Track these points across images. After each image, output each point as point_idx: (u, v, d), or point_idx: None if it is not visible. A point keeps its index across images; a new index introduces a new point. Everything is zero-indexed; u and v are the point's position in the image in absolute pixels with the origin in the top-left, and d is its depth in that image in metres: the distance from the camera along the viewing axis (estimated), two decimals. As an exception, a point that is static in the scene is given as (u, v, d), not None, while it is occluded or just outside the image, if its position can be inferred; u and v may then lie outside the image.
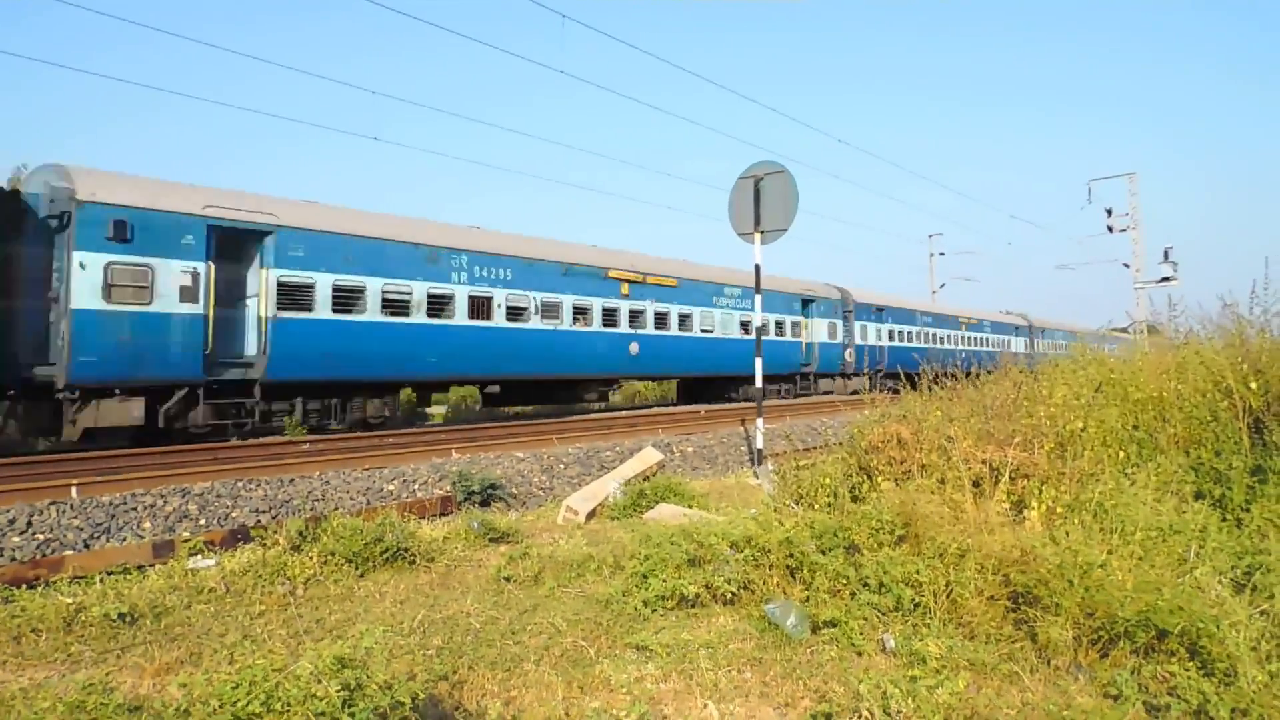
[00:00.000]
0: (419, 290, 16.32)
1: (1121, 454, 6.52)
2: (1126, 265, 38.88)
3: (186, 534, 7.21)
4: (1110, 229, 38.54)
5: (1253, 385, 6.78)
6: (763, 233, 11.42)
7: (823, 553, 4.89)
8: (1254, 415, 6.78)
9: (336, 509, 8.45)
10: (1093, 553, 4.25)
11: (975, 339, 40.45)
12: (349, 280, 15.04)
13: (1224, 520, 5.63)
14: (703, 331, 23.45)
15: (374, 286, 15.47)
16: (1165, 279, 36.09)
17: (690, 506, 8.09)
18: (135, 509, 7.82)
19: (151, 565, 6.26)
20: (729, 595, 4.92)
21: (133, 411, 12.27)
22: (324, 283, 14.69)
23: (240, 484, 8.89)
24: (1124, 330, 30.38)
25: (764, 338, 25.14)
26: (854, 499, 5.96)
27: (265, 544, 6.31)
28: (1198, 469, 6.52)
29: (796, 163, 44.67)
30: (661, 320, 22.13)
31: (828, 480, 6.32)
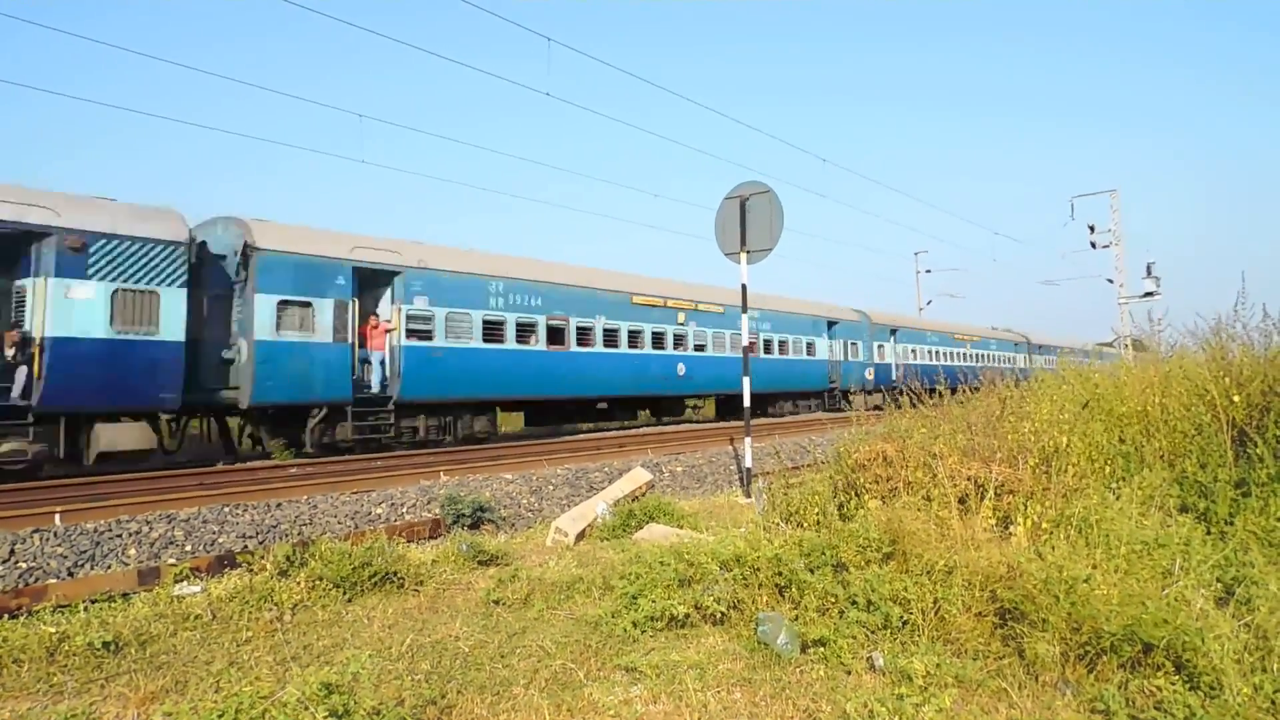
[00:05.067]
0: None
1: (1106, 468, 6.57)
2: (1110, 281, 39.26)
3: (172, 560, 7.15)
4: (1093, 245, 38.93)
5: (1235, 399, 6.85)
6: (749, 252, 11.50)
7: (811, 571, 4.90)
8: (1237, 429, 6.85)
9: (324, 533, 8.41)
10: (1078, 567, 4.28)
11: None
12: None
13: (1208, 533, 5.68)
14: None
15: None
16: (1148, 294, 36.46)
17: (679, 526, 8.08)
18: (120, 535, 7.75)
19: (136, 592, 6.20)
20: (718, 615, 4.91)
21: None
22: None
23: (227, 509, 8.83)
24: (1110, 345, 30.65)
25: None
26: (842, 517, 5.98)
27: (252, 569, 6.27)
28: (1182, 482, 6.58)
29: (781, 181, 45.11)
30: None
31: (815, 498, 6.34)
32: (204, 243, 13.95)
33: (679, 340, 23.14)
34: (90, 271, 11.99)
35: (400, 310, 15.98)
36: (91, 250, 12.02)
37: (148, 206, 13.12)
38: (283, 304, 14.06)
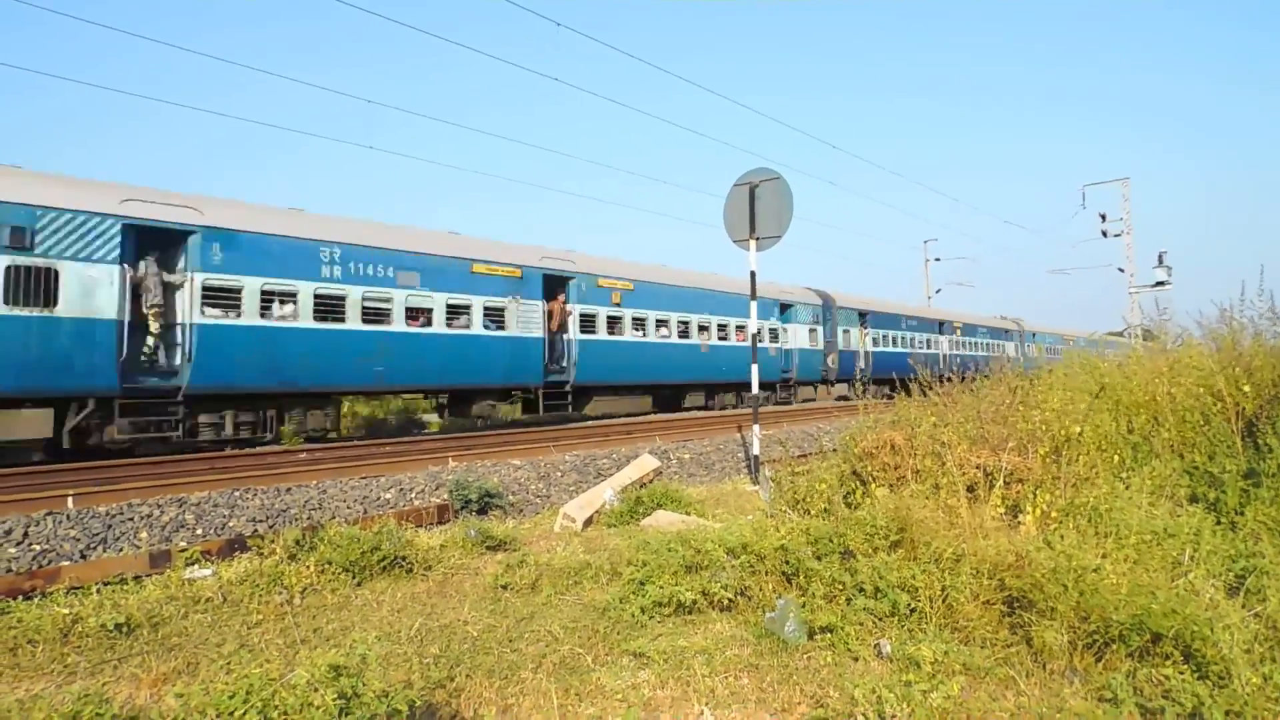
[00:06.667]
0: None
1: (1116, 458, 6.55)
2: (1121, 270, 39.01)
3: (183, 544, 7.20)
4: (1104, 234, 38.66)
5: (1245, 388, 6.81)
6: (758, 239, 11.45)
7: (818, 558, 4.90)
8: (1246, 419, 6.81)
9: (333, 518, 8.44)
10: (1087, 557, 4.27)
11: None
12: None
13: (1218, 523, 5.65)
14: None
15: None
16: (1159, 283, 36.19)
17: (687, 513, 8.10)
18: (132, 519, 7.80)
19: (148, 575, 6.24)
20: (726, 601, 4.92)
21: None
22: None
23: (237, 493, 8.88)
24: (1119, 334, 30.40)
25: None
26: (849, 505, 5.97)
27: (262, 553, 6.31)
28: (1191, 473, 6.55)
29: (791, 169, 44.95)
30: None
31: (823, 486, 6.34)
32: None
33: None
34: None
35: None
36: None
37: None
38: None
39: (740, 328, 24.71)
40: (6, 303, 11.05)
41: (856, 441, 6.99)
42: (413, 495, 9.73)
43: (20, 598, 5.60)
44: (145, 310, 12.64)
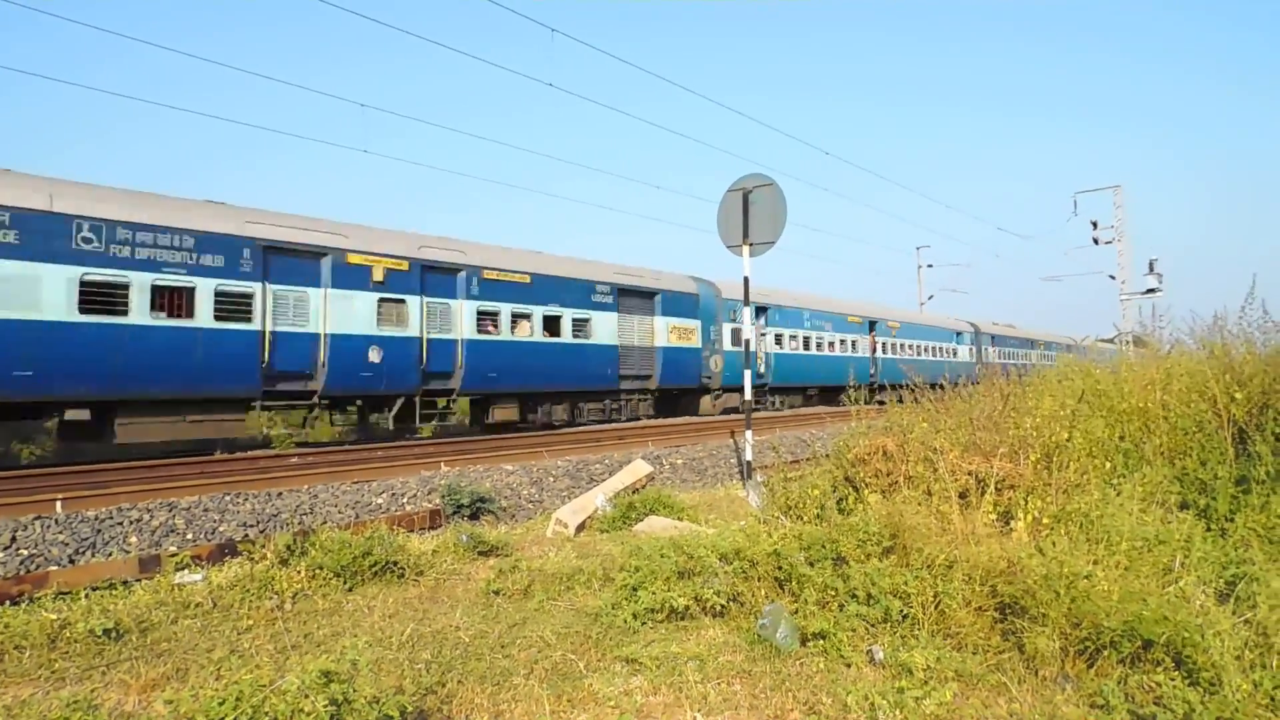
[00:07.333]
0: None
1: (1107, 465, 6.56)
2: (1113, 277, 39.15)
3: (173, 548, 7.16)
4: (1096, 241, 38.81)
5: (1237, 396, 6.84)
6: (751, 245, 11.47)
7: (811, 564, 4.90)
8: (1238, 426, 6.84)
9: (325, 522, 8.42)
10: (1078, 563, 4.28)
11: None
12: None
13: (1209, 530, 5.67)
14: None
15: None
16: (1151, 290, 36.34)
17: (680, 519, 8.09)
18: (121, 523, 7.76)
19: (138, 580, 6.21)
20: (718, 607, 4.92)
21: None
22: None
23: (228, 498, 8.84)
24: (1110, 341, 30.57)
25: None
26: (841, 511, 5.97)
27: (253, 558, 6.28)
28: (1183, 479, 6.57)
29: (782, 173, 45.94)
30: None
31: (815, 492, 6.34)
32: None
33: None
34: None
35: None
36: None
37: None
38: None
39: (938, 347, 39.03)
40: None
41: (849, 448, 7.00)
42: (405, 500, 9.71)
43: (8, 603, 5.57)
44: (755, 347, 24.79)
